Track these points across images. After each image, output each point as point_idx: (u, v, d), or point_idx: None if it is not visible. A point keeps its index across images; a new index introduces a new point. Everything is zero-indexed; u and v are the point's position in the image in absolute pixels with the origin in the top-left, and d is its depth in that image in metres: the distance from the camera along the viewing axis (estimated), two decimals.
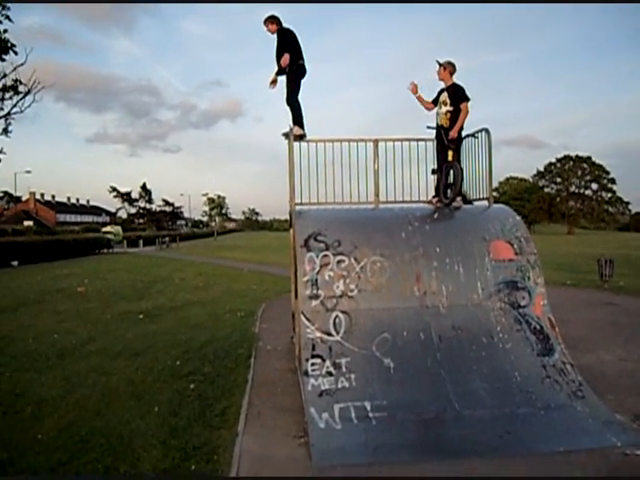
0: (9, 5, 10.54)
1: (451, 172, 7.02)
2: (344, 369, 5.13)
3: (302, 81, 7.50)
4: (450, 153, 7.00)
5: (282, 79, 7.52)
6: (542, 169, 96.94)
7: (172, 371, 6.86)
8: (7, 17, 10.58)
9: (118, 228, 60.86)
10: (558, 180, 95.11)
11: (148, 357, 7.60)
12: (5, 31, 10.60)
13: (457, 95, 6.89)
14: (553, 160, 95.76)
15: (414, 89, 7.27)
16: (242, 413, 5.28)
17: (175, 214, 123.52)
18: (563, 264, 21.87)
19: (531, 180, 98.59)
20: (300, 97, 7.48)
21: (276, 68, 7.40)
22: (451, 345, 5.43)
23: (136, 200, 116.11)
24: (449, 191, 7.03)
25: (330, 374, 5.09)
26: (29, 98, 11.18)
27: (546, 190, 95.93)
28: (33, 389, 6.25)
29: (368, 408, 4.79)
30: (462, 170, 7.04)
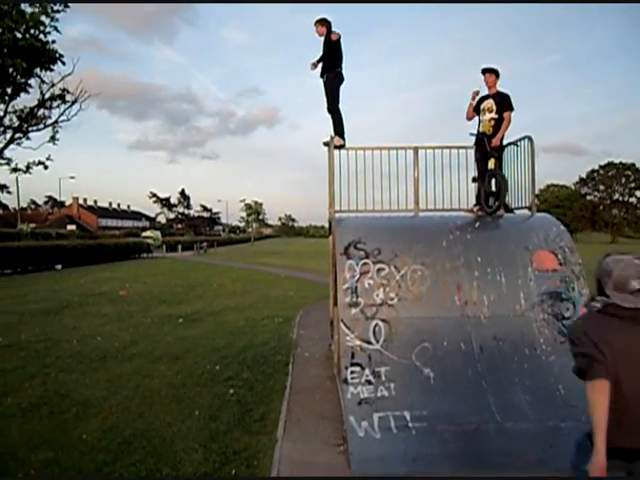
0: (57, 17, 10.86)
1: (493, 180, 6.94)
2: (383, 378, 5.11)
3: (341, 88, 7.56)
4: (492, 161, 6.93)
5: (321, 86, 7.59)
6: (584, 176, 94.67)
7: (212, 375, 6.95)
8: (55, 28, 10.91)
9: (157, 233, 62.05)
10: (601, 187, 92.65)
11: (188, 361, 7.72)
12: (53, 42, 10.95)
13: (503, 103, 6.83)
14: (596, 167, 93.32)
15: (473, 96, 7.19)
16: (281, 419, 5.31)
17: (213, 220, 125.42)
18: None
19: (573, 187, 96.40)
20: (340, 104, 7.54)
21: (319, 67, 7.49)
22: (493, 356, 5.34)
23: (175, 205, 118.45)
24: (491, 199, 6.95)
25: (369, 382, 5.08)
26: (75, 107, 11.52)
27: (589, 198, 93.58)
28: (78, 390, 6.42)
29: (408, 418, 4.76)
30: (505, 179, 6.96)
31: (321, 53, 7.46)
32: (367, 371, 5.16)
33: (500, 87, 7.05)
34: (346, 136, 7.49)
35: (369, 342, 5.34)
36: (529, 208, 7.12)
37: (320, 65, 7.49)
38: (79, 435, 5.01)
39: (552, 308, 5.69)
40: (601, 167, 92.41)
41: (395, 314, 5.52)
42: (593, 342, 2.42)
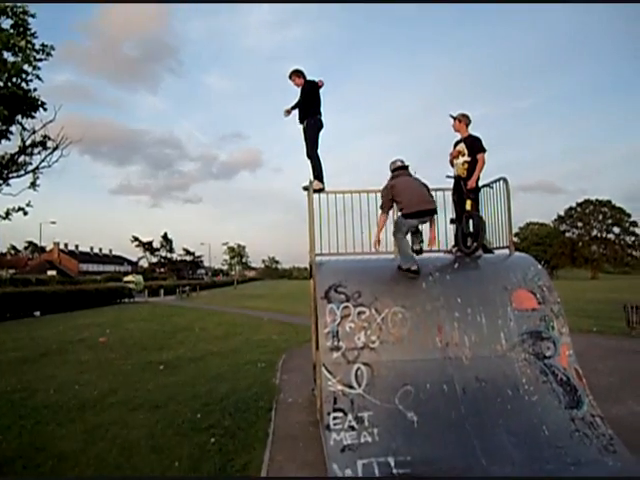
0: (40, 65, 10.98)
1: (471, 221, 7.03)
2: (367, 423, 5.05)
3: (320, 134, 7.69)
4: (468, 202, 7.04)
5: (299, 132, 7.73)
6: (562, 214, 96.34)
7: (192, 424, 6.79)
8: (37, 76, 11.01)
9: (139, 277, 61.47)
10: (579, 224, 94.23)
11: (169, 409, 7.55)
12: (35, 90, 11.04)
13: (474, 146, 6.99)
14: (573, 204, 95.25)
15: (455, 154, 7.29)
16: (263, 469, 5.19)
17: (196, 263, 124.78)
18: (588, 310, 21.44)
19: (552, 225, 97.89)
20: (319, 149, 7.67)
21: (294, 113, 7.65)
22: (476, 398, 5.32)
23: (157, 249, 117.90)
24: (469, 240, 7.03)
25: (352, 428, 5.01)
26: (57, 153, 11.54)
27: (567, 235, 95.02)
28: (54, 442, 6.24)
29: (392, 464, 4.69)
30: (483, 220, 7.06)
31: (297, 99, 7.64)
32: (350, 416, 5.09)
33: (471, 130, 7.23)
34: (326, 179, 7.59)
35: (351, 386, 5.30)
36: (507, 247, 7.22)
37: (296, 112, 7.66)
38: None
39: (533, 347, 5.71)
40: (578, 204, 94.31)
41: (377, 357, 5.50)
42: None
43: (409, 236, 6.61)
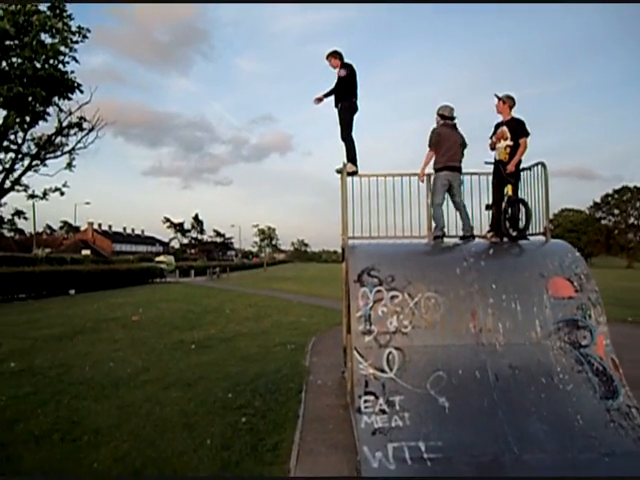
0: (76, 47, 11.11)
1: (518, 207, 6.91)
2: (398, 407, 5.04)
3: (355, 117, 7.63)
4: (509, 187, 6.92)
5: (333, 114, 7.69)
6: (598, 200, 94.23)
7: (224, 403, 6.89)
8: (74, 58, 11.15)
9: (171, 258, 62.37)
10: (616, 212, 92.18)
11: (200, 388, 7.67)
12: (72, 72, 11.19)
13: (517, 130, 6.84)
14: (610, 191, 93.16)
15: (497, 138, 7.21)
16: (294, 449, 5.23)
17: (226, 245, 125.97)
18: (623, 299, 20.98)
19: (587, 212, 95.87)
20: (353, 133, 7.61)
21: (330, 99, 7.62)
22: (508, 385, 5.25)
23: (188, 231, 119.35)
24: (507, 224, 6.92)
25: (383, 412, 5.00)
26: (92, 134, 11.71)
27: (603, 222, 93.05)
28: (90, 417, 6.39)
29: (422, 449, 4.67)
30: (528, 205, 6.95)
31: (334, 83, 7.58)
32: (381, 400, 5.08)
33: (515, 114, 7.07)
34: (358, 163, 7.54)
35: (383, 370, 5.28)
36: (543, 234, 7.08)
37: (330, 98, 7.63)
38: (90, 464, 4.98)
39: (569, 336, 5.60)
40: (615, 191, 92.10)
41: (409, 342, 5.47)
42: None
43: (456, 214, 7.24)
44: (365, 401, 5.09)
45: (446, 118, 7.17)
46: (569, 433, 4.88)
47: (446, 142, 7.01)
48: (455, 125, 7.22)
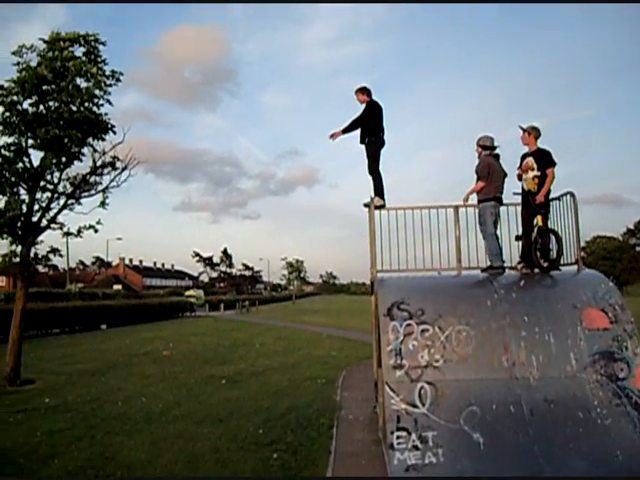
0: (110, 90, 11.51)
1: (546, 237, 6.87)
2: (431, 443, 4.97)
3: (382, 151, 7.74)
4: (539, 217, 6.89)
5: (358, 147, 7.81)
6: (632, 227, 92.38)
7: (255, 439, 6.87)
8: (108, 101, 11.54)
9: (200, 292, 62.90)
10: None
11: (232, 424, 7.67)
12: (106, 114, 11.58)
13: (544, 160, 6.84)
14: None
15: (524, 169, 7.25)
16: None
17: (254, 278, 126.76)
18: None
19: (620, 239, 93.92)
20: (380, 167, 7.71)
21: (354, 131, 7.75)
22: (544, 420, 5.15)
23: (217, 264, 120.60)
24: (538, 255, 6.87)
25: (416, 448, 4.94)
26: (125, 173, 12.04)
27: (638, 249, 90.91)
28: (123, 453, 6.43)
29: None
30: (559, 235, 6.90)
31: (352, 118, 7.71)
32: (414, 436, 5.03)
33: (540, 143, 7.08)
34: (386, 194, 7.61)
35: (415, 405, 5.23)
36: (575, 264, 7.00)
37: (349, 134, 7.75)
38: None
39: (605, 369, 5.48)
40: None
41: (441, 376, 5.42)
42: None
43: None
44: (397, 437, 5.05)
45: (488, 148, 7.24)
46: (609, 470, 4.75)
47: (494, 173, 7.10)
48: (498, 155, 7.30)
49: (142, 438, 7.05)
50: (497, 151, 7.30)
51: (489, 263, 7.12)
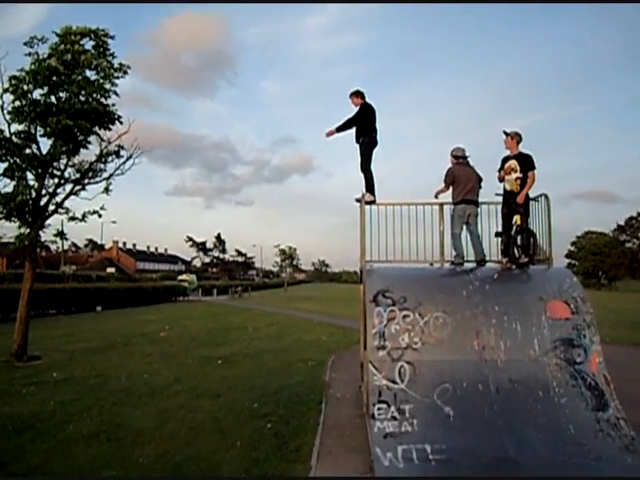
0: (117, 82, 12.03)
1: (524, 235, 7.51)
2: (407, 414, 5.66)
3: (374, 151, 8.36)
4: (518, 217, 7.52)
5: (351, 139, 8.44)
6: (622, 223, 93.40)
7: (251, 412, 7.55)
8: (115, 92, 12.06)
9: (193, 277, 63.31)
10: None
11: (228, 398, 8.34)
12: (113, 105, 12.11)
13: (526, 164, 7.46)
14: (634, 214, 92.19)
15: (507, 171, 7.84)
16: (315, 451, 5.88)
17: (247, 264, 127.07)
18: None
19: (611, 234, 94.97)
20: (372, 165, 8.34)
21: (347, 130, 8.37)
22: (508, 397, 5.84)
23: (210, 250, 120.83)
24: (517, 252, 7.51)
25: (394, 418, 5.63)
26: (129, 162, 12.59)
27: (627, 245, 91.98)
28: (131, 421, 7.10)
29: (428, 451, 5.29)
30: (534, 233, 7.54)
31: (346, 118, 8.31)
32: (392, 408, 5.71)
33: (522, 148, 7.70)
34: (376, 188, 8.25)
35: (395, 382, 5.92)
36: (547, 261, 7.68)
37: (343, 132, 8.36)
38: (136, 459, 5.67)
39: (564, 354, 6.18)
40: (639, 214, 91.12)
41: (419, 357, 6.10)
42: None
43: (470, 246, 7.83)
44: (378, 409, 5.73)
45: (459, 158, 7.93)
46: (561, 440, 5.45)
47: (462, 180, 7.76)
48: (468, 162, 7.96)
49: (147, 409, 7.72)
50: (468, 159, 7.99)
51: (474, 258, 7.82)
